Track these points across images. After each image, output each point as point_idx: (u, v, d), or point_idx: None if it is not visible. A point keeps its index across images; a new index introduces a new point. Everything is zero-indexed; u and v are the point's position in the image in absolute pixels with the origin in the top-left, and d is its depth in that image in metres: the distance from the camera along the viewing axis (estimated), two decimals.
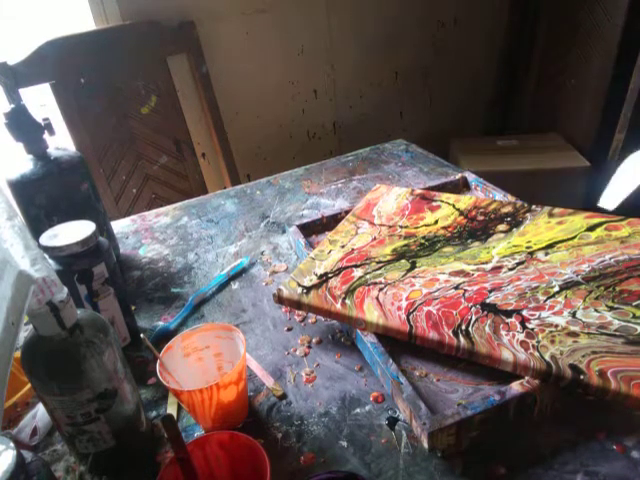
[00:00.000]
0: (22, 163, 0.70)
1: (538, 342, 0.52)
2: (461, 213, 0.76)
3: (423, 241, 0.71)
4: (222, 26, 1.48)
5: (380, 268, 0.67)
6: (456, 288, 0.61)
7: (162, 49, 1.36)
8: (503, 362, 0.52)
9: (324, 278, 0.66)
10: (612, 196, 0.71)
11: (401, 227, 0.76)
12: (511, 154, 1.74)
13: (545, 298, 0.57)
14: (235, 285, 0.76)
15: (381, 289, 0.63)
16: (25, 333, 0.45)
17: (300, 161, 1.21)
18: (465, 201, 0.79)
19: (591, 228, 0.67)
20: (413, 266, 0.66)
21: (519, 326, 0.54)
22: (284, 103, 1.69)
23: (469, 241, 0.70)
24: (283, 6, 1.54)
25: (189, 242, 0.89)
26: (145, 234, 0.93)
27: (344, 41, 1.68)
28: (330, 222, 0.85)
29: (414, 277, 0.64)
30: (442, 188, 0.90)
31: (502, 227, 0.71)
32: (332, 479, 0.42)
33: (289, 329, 0.66)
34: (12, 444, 0.39)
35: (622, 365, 0.48)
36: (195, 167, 1.48)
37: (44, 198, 0.69)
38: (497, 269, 0.63)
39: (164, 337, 0.65)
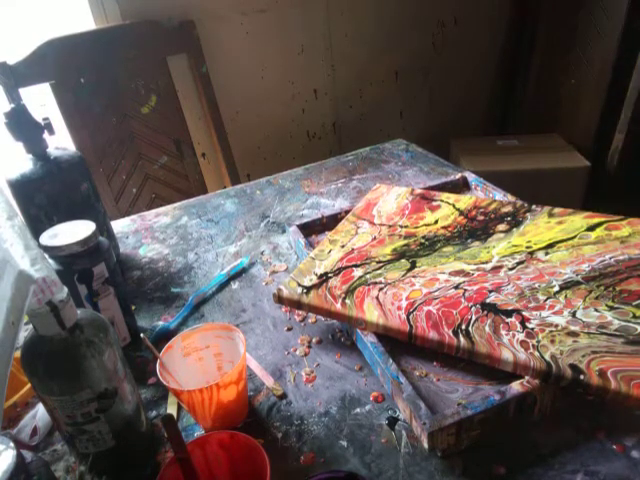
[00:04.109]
0: (22, 163, 0.70)
1: (538, 342, 0.52)
2: (461, 213, 0.76)
3: (423, 241, 0.71)
4: (222, 26, 1.48)
5: (380, 268, 0.67)
6: (456, 288, 0.61)
7: (162, 49, 1.36)
8: (503, 362, 0.52)
9: (324, 278, 0.66)
10: None
11: (401, 227, 0.76)
12: (511, 154, 1.74)
13: (545, 298, 0.57)
14: (235, 285, 0.76)
15: (381, 289, 0.63)
16: (25, 333, 0.45)
17: (300, 161, 1.21)
18: (465, 201, 0.79)
19: (591, 228, 0.67)
20: (413, 266, 0.66)
21: (519, 326, 0.54)
22: (284, 103, 1.69)
23: (469, 241, 0.70)
24: (283, 6, 1.54)
25: (189, 242, 0.89)
26: (145, 234, 0.93)
27: (344, 41, 1.68)
28: (330, 222, 0.85)
29: (414, 277, 0.64)
30: (442, 188, 0.90)
31: (502, 227, 0.71)
32: (332, 479, 0.42)
33: (289, 329, 0.66)
34: (12, 444, 0.39)
35: (622, 365, 0.48)
36: (195, 167, 1.48)
37: (44, 198, 0.69)
38: (497, 269, 0.63)
39: (164, 337, 0.65)
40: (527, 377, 0.50)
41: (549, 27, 1.83)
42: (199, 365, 0.56)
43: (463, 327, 0.55)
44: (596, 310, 0.55)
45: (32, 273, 0.37)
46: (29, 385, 0.59)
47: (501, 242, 0.68)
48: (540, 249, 0.65)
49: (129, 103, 1.35)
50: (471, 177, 0.92)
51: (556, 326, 0.53)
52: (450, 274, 0.64)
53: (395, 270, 0.66)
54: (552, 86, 1.89)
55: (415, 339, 0.57)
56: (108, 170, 1.37)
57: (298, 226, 0.82)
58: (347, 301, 0.62)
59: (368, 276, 0.66)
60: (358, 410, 0.54)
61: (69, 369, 0.44)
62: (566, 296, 0.57)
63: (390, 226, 0.76)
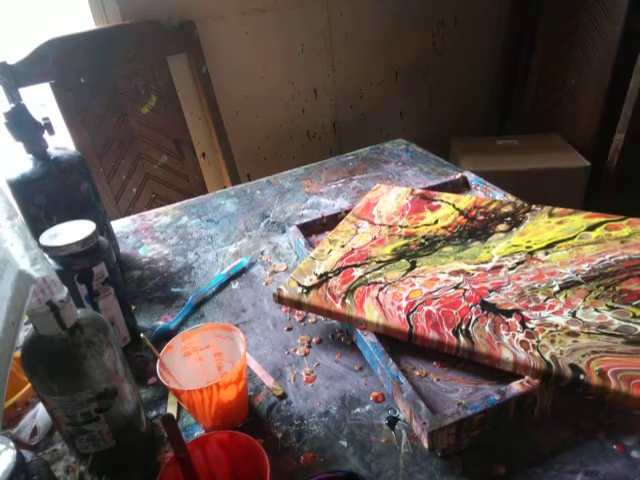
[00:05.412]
0: (22, 163, 0.70)
1: (538, 342, 0.52)
2: (461, 213, 0.76)
3: (423, 241, 0.71)
4: (222, 26, 1.48)
5: (380, 268, 0.67)
6: (456, 288, 0.61)
7: (162, 49, 1.36)
8: (503, 362, 0.52)
9: (324, 278, 0.66)
10: None
11: (401, 227, 0.76)
12: (511, 154, 1.74)
13: (545, 298, 0.57)
14: (235, 285, 0.76)
15: (381, 289, 0.63)
16: (25, 333, 0.45)
17: (300, 161, 1.21)
18: (465, 201, 0.79)
19: (591, 228, 0.67)
20: (413, 266, 0.66)
21: (519, 326, 0.54)
22: (284, 103, 1.69)
23: (469, 241, 0.70)
24: (283, 6, 1.54)
25: (189, 242, 0.89)
26: (145, 234, 0.93)
27: (344, 41, 1.68)
28: (330, 222, 0.85)
29: (414, 277, 0.64)
30: (442, 188, 0.90)
31: (502, 227, 0.71)
32: (332, 479, 0.42)
33: (289, 329, 0.66)
34: (12, 444, 0.39)
35: (622, 365, 0.48)
36: (195, 167, 1.48)
37: (44, 198, 0.69)
38: (497, 269, 0.63)
39: (164, 337, 0.65)
40: (527, 377, 0.50)
41: (549, 27, 1.83)
42: (199, 365, 0.56)
43: (463, 327, 0.55)
44: (596, 310, 0.55)
45: (32, 273, 0.37)
46: (29, 385, 0.59)
47: (501, 242, 0.68)
48: (540, 249, 0.65)
49: (129, 103, 1.35)
50: (471, 177, 0.92)
51: (556, 326, 0.53)
52: (450, 274, 0.64)
53: (395, 270, 0.66)
54: (552, 86, 1.89)
55: (415, 339, 0.57)
56: (108, 170, 1.37)
57: (298, 226, 0.82)
58: (347, 301, 0.62)
59: (368, 276, 0.66)
60: (358, 410, 0.54)
61: (69, 369, 0.44)
62: (566, 296, 0.57)
63: (390, 226, 0.76)
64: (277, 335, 0.66)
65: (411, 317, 0.58)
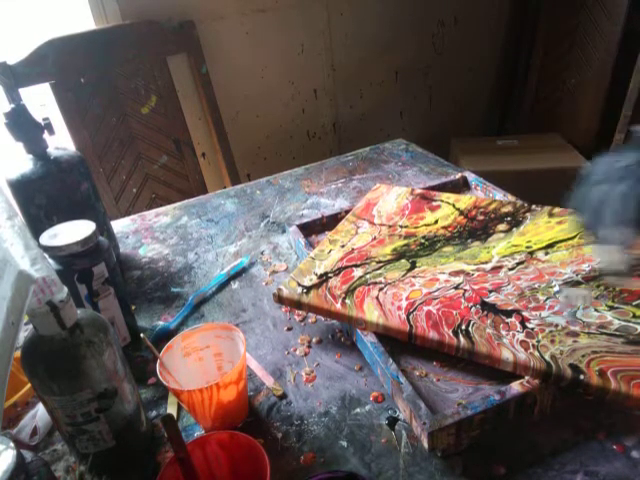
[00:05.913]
0: (22, 163, 0.70)
1: (538, 342, 0.52)
2: (461, 213, 0.76)
3: (423, 241, 0.71)
4: (222, 26, 1.48)
5: (380, 268, 0.67)
6: (456, 288, 0.61)
7: (162, 49, 1.36)
8: (503, 362, 0.52)
9: (324, 278, 0.66)
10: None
11: (401, 227, 0.76)
12: (511, 154, 1.74)
13: (545, 298, 0.57)
14: (235, 285, 0.76)
15: (381, 289, 0.63)
16: (25, 333, 0.45)
17: (300, 161, 1.21)
18: (465, 201, 0.79)
19: None
20: (413, 266, 0.66)
21: (519, 326, 0.54)
22: (284, 103, 1.69)
23: (469, 241, 0.70)
24: (283, 6, 1.54)
25: (189, 242, 0.89)
26: (145, 234, 0.93)
27: (344, 41, 1.68)
28: (330, 222, 0.85)
29: (414, 277, 0.64)
30: (442, 188, 0.90)
31: (502, 227, 0.71)
32: (332, 479, 0.42)
33: (289, 329, 0.66)
34: (12, 444, 0.39)
35: (622, 365, 0.48)
36: (195, 167, 1.48)
37: (44, 198, 0.69)
38: (497, 269, 0.63)
39: (164, 337, 0.65)
40: (527, 377, 0.50)
41: (549, 27, 1.83)
42: (199, 365, 0.56)
43: (463, 327, 0.55)
44: (596, 310, 0.55)
45: (32, 273, 0.37)
46: (29, 385, 0.58)
47: (501, 242, 0.68)
48: (540, 249, 0.65)
49: (129, 103, 1.35)
50: (471, 177, 0.92)
51: (556, 326, 0.53)
52: (450, 274, 0.64)
53: (395, 270, 0.66)
54: (552, 86, 1.89)
55: (415, 339, 0.57)
56: (108, 170, 1.37)
57: (298, 226, 0.82)
58: (347, 301, 0.62)
59: (368, 276, 0.66)
60: (358, 410, 0.54)
61: (69, 369, 0.44)
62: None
63: (390, 226, 0.76)
64: (277, 335, 0.66)
65: (411, 317, 0.58)
